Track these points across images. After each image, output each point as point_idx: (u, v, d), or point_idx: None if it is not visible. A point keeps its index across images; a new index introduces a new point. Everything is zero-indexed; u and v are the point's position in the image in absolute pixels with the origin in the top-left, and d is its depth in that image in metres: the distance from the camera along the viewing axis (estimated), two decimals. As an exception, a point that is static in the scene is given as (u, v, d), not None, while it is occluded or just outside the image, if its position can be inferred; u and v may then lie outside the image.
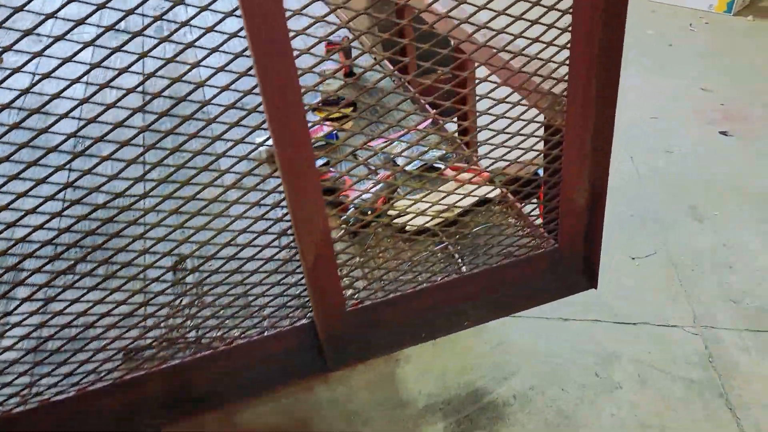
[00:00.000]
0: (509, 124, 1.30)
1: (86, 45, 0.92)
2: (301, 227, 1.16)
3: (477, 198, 1.64)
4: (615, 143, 3.81)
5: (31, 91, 0.92)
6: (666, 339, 2.46)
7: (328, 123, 2.33)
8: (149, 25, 0.94)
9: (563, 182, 1.37)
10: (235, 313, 1.29)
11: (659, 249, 2.88)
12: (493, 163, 1.43)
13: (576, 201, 1.40)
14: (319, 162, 1.93)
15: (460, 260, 1.54)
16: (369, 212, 1.73)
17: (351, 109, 2.42)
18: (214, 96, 1.03)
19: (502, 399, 2.25)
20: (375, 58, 1.25)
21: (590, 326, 2.53)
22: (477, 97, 1.30)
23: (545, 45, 1.21)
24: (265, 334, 1.31)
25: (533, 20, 1.17)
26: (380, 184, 1.79)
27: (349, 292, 1.36)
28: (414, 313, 1.43)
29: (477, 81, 1.32)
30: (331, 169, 2.02)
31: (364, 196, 1.80)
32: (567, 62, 1.23)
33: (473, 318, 1.47)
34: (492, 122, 1.29)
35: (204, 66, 1.02)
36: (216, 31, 0.98)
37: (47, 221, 0.99)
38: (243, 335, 1.29)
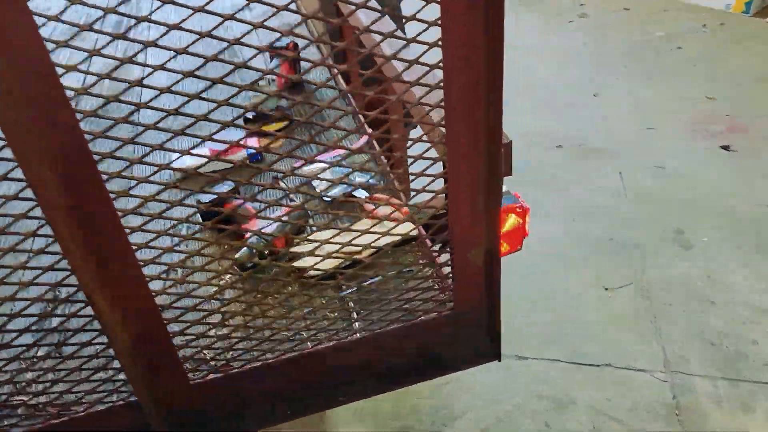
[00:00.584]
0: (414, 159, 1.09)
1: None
2: (101, 298, 0.97)
3: (395, 238, 1.43)
4: (603, 158, 3.53)
5: None
6: (629, 384, 2.23)
7: (256, 139, 2.14)
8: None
9: (454, 239, 1.16)
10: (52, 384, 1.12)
11: (636, 279, 2.64)
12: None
13: (471, 261, 1.19)
14: (225, 186, 1.73)
15: (354, 314, 1.34)
16: (266, 252, 1.54)
17: (285, 123, 2.22)
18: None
19: (439, 448, 2.06)
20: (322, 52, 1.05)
21: (548, 366, 2.31)
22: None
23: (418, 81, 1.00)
24: (93, 410, 1.13)
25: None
26: (285, 217, 1.59)
27: (191, 363, 1.17)
28: (280, 385, 1.24)
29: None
30: (236, 196, 1.83)
31: (264, 231, 1.61)
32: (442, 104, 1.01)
33: (354, 393, 1.27)
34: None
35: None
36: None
37: None
38: (64, 410, 1.11)
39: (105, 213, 0.94)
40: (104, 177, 0.92)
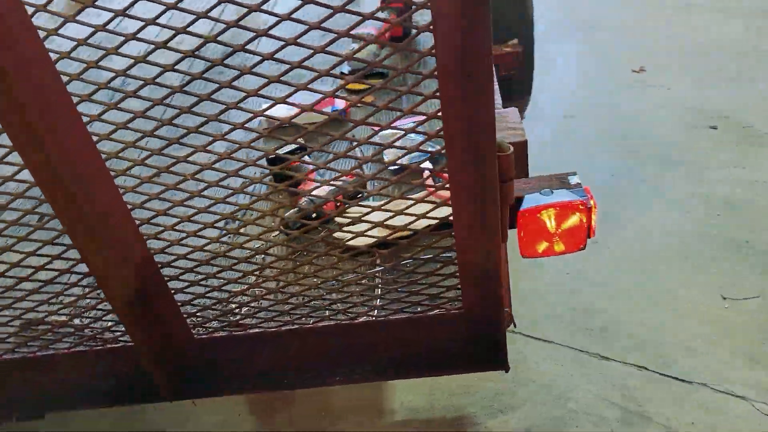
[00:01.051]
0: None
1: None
2: (96, 259, 1.04)
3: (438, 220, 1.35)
4: (766, 146, 3.01)
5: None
6: (722, 411, 1.97)
7: (341, 97, 2.12)
8: None
9: (457, 241, 1.07)
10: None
11: (766, 293, 2.29)
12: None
13: (478, 265, 1.10)
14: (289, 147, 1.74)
15: (378, 290, 1.29)
16: (313, 216, 1.54)
17: (380, 80, 2.17)
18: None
19: (489, 434, 1.99)
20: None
21: (631, 372, 2.11)
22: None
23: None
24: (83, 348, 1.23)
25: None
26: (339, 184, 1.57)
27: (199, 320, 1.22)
28: (280, 354, 1.26)
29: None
30: (306, 158, 1.83)
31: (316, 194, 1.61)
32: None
33: (349, 376, 1.25)
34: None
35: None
36: None
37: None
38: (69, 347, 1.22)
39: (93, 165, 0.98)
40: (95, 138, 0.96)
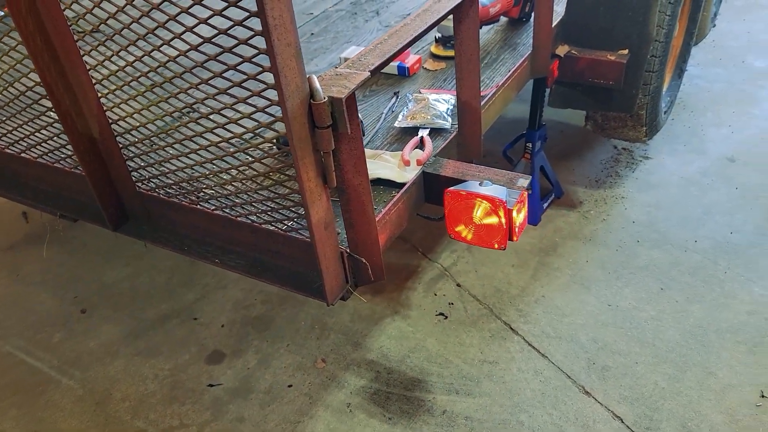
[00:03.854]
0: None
1: None
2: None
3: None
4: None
5: None
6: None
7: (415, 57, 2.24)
8: None
9: (297, 167, 1.21)
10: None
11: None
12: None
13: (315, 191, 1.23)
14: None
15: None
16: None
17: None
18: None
19: (433, 405, 2.05)
20: None
21: (605, 419, 1.96)
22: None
23: None
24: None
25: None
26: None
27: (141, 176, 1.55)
28: (193, 225, 1.54)
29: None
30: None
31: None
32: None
33: (227, 262, 1.49)
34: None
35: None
36: None
37: None
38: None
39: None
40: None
